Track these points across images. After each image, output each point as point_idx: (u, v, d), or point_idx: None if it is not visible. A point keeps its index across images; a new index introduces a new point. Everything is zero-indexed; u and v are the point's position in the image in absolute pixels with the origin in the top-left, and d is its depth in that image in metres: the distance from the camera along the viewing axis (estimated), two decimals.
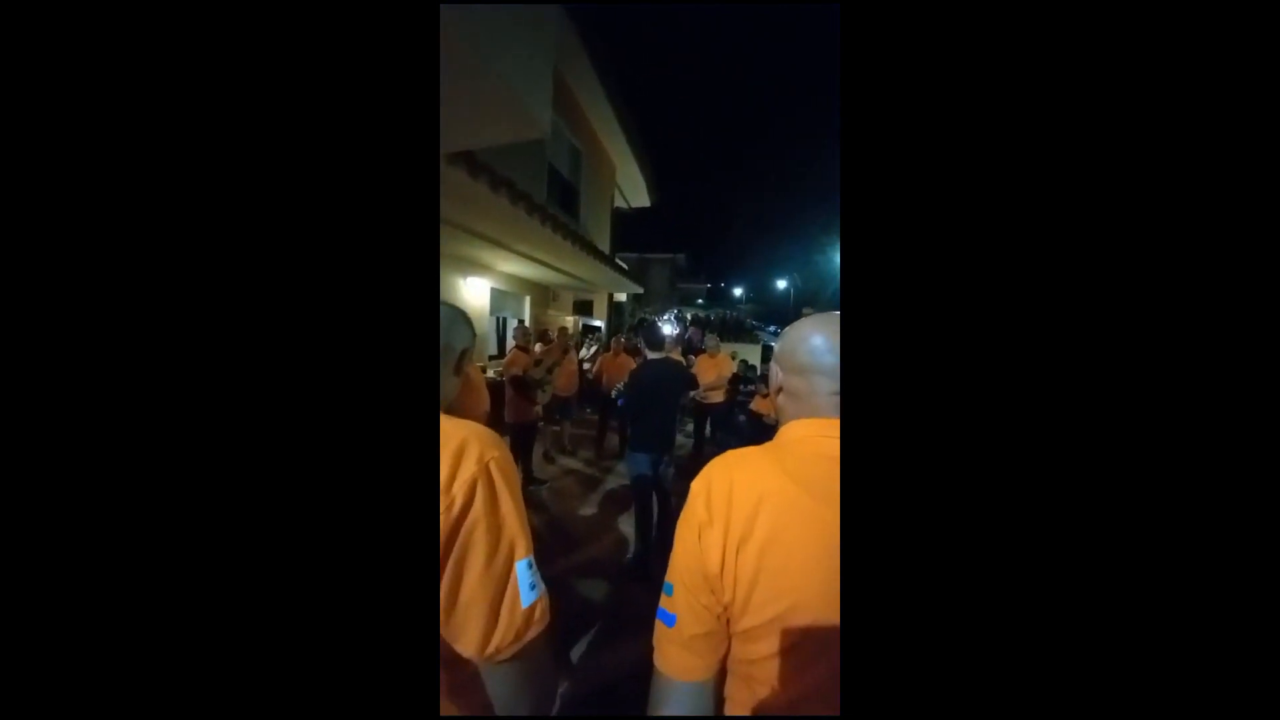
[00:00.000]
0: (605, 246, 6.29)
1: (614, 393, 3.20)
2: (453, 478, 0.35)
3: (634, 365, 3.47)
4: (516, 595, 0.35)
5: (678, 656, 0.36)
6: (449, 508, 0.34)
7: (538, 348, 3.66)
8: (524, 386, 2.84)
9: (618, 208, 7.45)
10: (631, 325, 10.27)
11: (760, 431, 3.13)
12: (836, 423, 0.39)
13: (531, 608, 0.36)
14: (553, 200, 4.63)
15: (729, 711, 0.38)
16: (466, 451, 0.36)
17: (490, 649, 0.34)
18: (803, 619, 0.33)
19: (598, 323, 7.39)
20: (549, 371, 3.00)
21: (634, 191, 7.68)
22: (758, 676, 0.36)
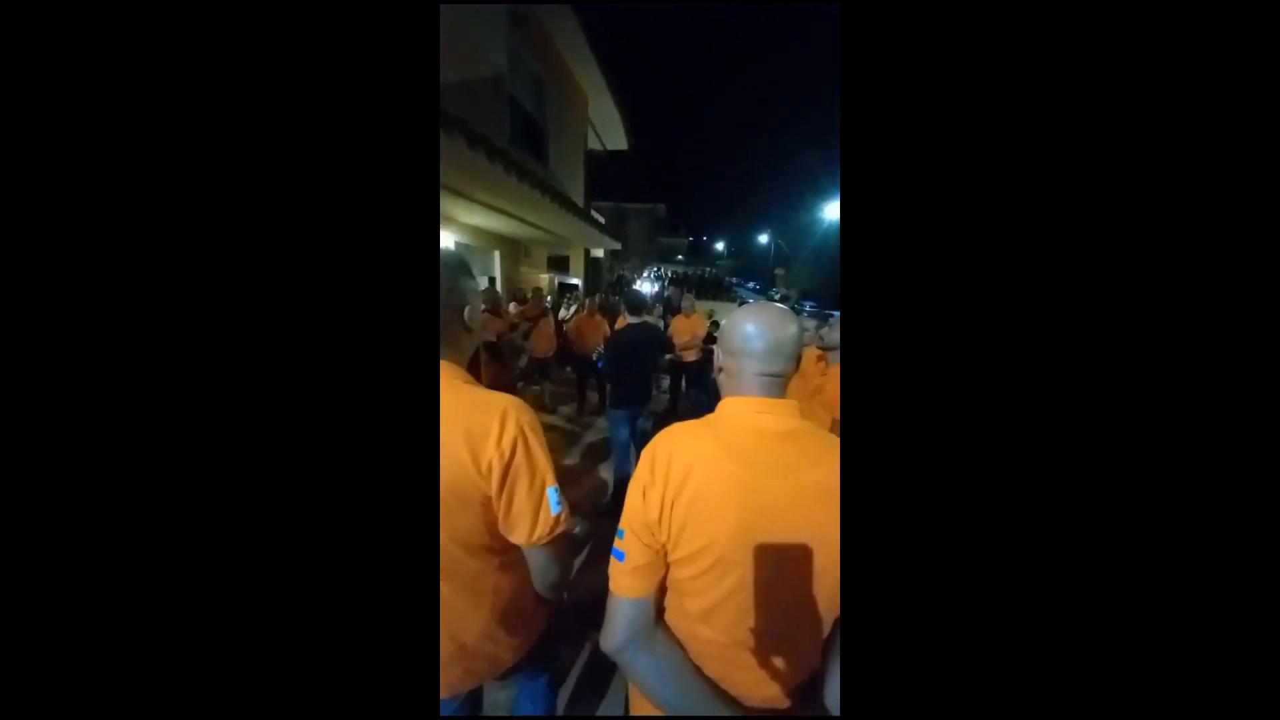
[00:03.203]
0: (579, 193, 5.89)
1: (595, 355, 3.23)
2: (500, 436, 0.51)
3: (607, 326, 3.48)
4: (549, 507, 0.54)
5: (626, 581, 0.50)
6: (501, 456, 0.51)
7: (512, 307, 3.51)
8: (496, 353, 2.78)
9: (591, 150, 6.89)
10: (610, 282, 9.97)
11: None
12: (764, 400, 0.50)
13: (558, 515, 0.55)
14: (516, 142, 4.21)
15: (667, 615, 0.51)
16: (508, 418, 0.52)
17: (534, 538, 0.54)
18: (716, 550, 0.46)
19: (575, 280, 7.15)
20: (525, 337, 2.94)
21: (609, 131, 7.09)
22: (684, 590, 0.49)
